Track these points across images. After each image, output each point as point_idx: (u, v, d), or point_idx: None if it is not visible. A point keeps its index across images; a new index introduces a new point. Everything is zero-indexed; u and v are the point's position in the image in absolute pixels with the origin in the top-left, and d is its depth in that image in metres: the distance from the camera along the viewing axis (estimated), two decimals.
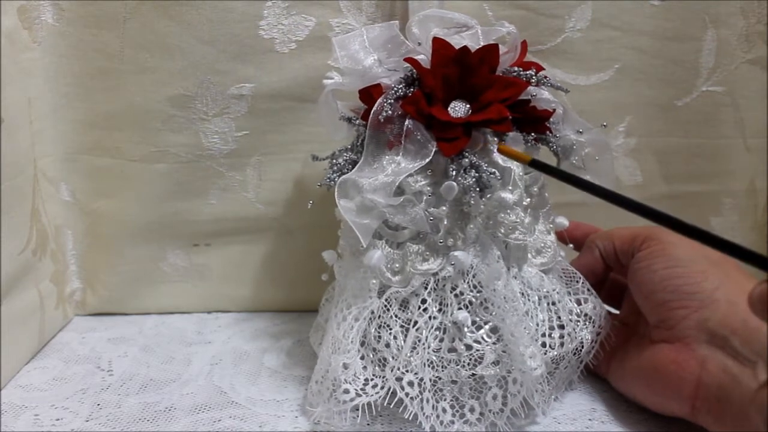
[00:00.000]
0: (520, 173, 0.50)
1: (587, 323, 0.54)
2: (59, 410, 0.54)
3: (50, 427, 0.51)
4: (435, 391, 0.49)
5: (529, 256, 0.52)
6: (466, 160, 0.47)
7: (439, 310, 0.49)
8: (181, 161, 0.66)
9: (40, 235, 0.62)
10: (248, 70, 0.63)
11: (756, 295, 0.30)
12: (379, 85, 0.50)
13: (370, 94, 0.50)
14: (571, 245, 0.61)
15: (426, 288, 0.49)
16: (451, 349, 0.49)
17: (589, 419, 0.52)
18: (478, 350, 0.48)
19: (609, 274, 0.59)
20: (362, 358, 0.50)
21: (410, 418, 0.48)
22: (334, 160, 0.51)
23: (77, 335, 0.67)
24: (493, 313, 0.49)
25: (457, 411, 0.49)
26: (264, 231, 0.70)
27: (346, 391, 0.48)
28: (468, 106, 0.48)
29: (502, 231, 0.49)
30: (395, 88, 0.48)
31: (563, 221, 0.58)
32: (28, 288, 0.61)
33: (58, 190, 0.67)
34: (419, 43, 0.51)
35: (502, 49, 0.50)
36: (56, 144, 0.65)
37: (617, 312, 0.58)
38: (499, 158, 0.48)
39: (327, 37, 0.63)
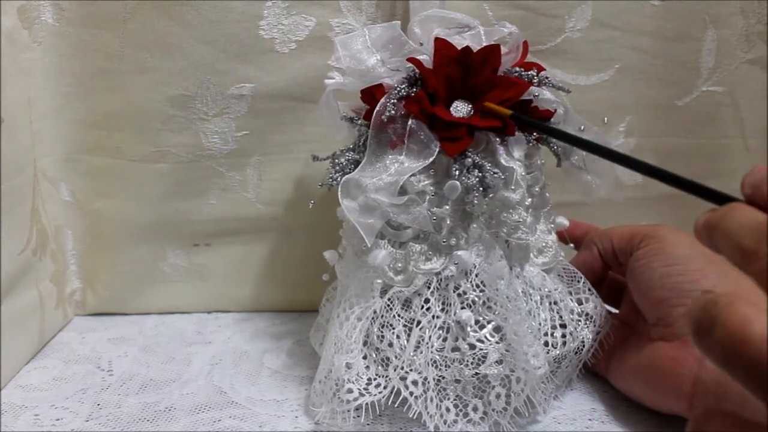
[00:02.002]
0: (523, 173, 0.50)
1: (588, 322, 0.54)
2: (59, 410, 0.54)
3: (50, 427, 0.51)
4: (438, 390, 0.49)
5: (531, 255, 0.53)
6: (469, 159, 0.47)
7: (442, 310, 0.49)
8: (181, 161, 0.66)
9: (40, 235, 0.62)
10: (248, 70, 0.63)
11: (701, 224, 0.31)
12: (381, 85, 0.50)
13: (372, 94, 0.49)
14: (571, 244, 0.61)
15: (429, 287, 0.50)
16: (455, 349, 0.49)
17: (589, 419, 0.52)
18: (481, 349, 0.48)
19: (608, 273, 0.59)
20: (365, 357, 0.50)
21: (414, 417, 0.48)
22: (336, 160, 0.51)
23: (77, 335, 0.67)
24: (496, 313, 0.49)
25: (461, 410, 0.49)
26: (264, 231, 0.70)
27: (350, 391, 0.48)
28: (470, 106, 0.48)
29: (505, 230, 0.49)
30: (398, 88, 0.48)
31: (563, 221, 0.58)
32: (28, 288, 0.61)
33: (58, 190, 0.66)
34: (421, 43, 0.51)
35: (503, 49, 0.50)
36: (56, 144, 0.65)
37: (616, 311, 0.58)
38: (502, 158, 0.48)
39: (327, 37, 0.63)
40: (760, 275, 0.27)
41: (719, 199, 0.30)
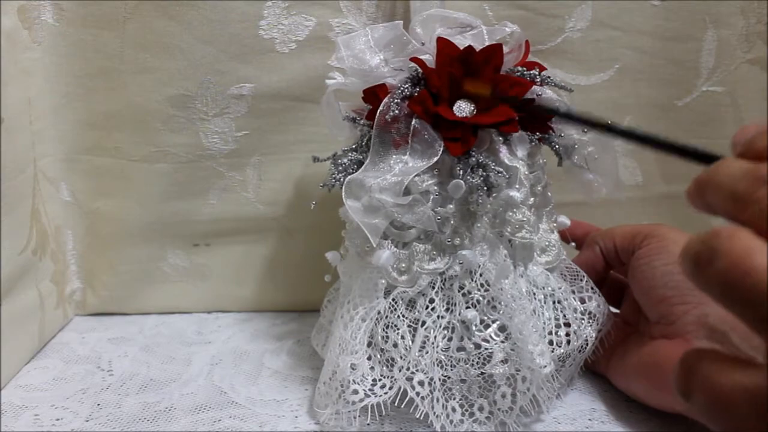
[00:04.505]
0: (526, 172, 0.50)
1: (591, 321, 0.54)
2: (59, 410, 0.54)
3: (50, 427, 0.51)
4: (444, 390, 0.49)
5: (535, 254, 0.53)
6: (473, 159, 0.47)
7: (447, 310, 0.49)
8: (181, 161, 0.66)
9: (40, 235, 0.62)
10: (248, 70, 0.63)
11: (691, 185, 0.30)
12: (384, 84, 0.50)
13: (375, 94, 0.49)
14: (572, 244, 0.61)
15: (433, 287, 0.49)
16: (460, 348, 0.49)
17: (589, 419, 0.52)
18: (486, 349, 0.48)
19: (609, 273, 0.60)
20: (369, 358, 0.50)
21: (421, 418, 0.48)
22: (338, 161, 0.51)
23: (77, 335, 0.67)
24: (501, 312, 0.49)
25: (467, 410, 0.49)
26: (264, 231, 0.69)
27: (355, 392, 0.48)
28: (473, 106, 0.48)
29: (509, 230, 0.49)
30: (401, 88, 0.48)
31: (565, 220, 0.58)
32: (28, 288, 0.61)
33: (58, 190, 0.66)
34: (423, 43, 0.51)
35: (505, 48, 0.50)
36: (56, 144, 0.65)
37: (617, 311, 0.58)
38: (505, 157, 0.48)
39: (327, 37, 0.63)
40: (756, 219, 0.26)
41: (708, 160, 0.30)
